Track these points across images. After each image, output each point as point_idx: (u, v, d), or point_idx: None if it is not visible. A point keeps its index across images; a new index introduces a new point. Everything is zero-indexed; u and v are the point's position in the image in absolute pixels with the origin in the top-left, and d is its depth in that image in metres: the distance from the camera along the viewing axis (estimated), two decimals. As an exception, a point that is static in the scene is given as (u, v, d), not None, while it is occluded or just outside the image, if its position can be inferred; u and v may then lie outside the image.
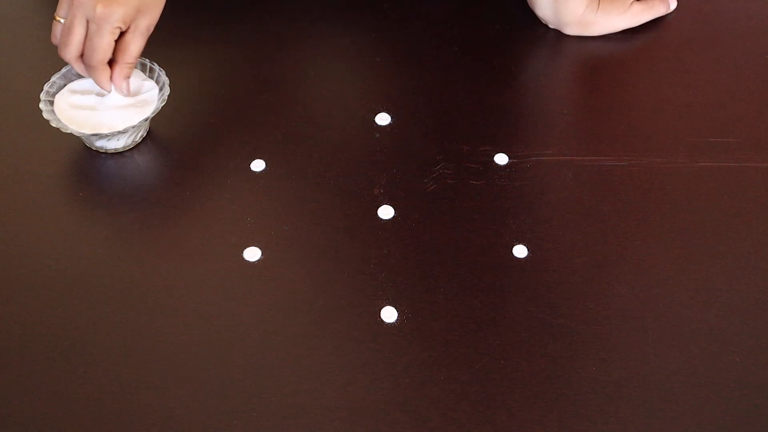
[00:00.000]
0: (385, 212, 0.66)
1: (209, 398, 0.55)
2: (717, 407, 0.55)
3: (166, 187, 0.69)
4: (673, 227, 0.65)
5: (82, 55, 0.67)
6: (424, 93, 0.76)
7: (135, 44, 0.66)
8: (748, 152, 0.71)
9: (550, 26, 0.82)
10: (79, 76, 0.71)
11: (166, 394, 0.56)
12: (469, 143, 0.71)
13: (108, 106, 0.69)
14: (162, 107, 0.69)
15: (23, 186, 0.68)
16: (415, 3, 0.85)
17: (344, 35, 0.82)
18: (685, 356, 0.57)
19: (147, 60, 0.72)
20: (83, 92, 0.70)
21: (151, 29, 0.67)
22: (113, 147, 0.70)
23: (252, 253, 0.63)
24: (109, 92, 0.68)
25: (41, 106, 0.68)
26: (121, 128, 0.68)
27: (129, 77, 0.68)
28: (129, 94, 0.68)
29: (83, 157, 0.70)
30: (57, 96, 0.70)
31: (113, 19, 0.64)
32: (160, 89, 0.71)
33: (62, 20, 0.66)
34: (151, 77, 0.71)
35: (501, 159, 0.70)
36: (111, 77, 0.67)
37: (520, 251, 0.64)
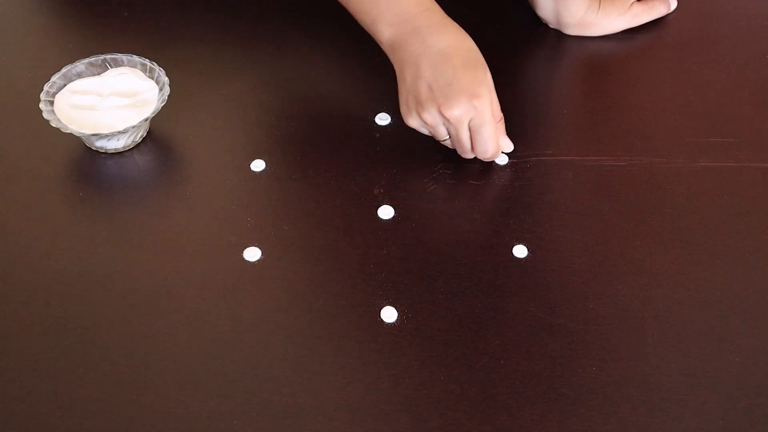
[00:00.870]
0: (385, 212, 0.66)
1: (209, 398, 0.55)
2: (717, 407, 0.55)
3: (166, 187, 0.69)
4: (673, 227, 0.65)
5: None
6: (424, 93, 0.76)
7: (497, 102, 0.65)
8: (748, 152, 0.71)
9: (551, 26, 0.82)
10: (79, 76, 0.71)
11: (166, 394, 0.56)
12: (469, 143, 0.71)
13: (108, 106, 0.69)
14: (162, 107, 0.69)
15: (23, 186, 0.68)
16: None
17: (344, 35, 0.82)
18: (685, 356, 0.57)
19: (147, 60, 0.72)
20: (83, 92, 0.70)
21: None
22: (113, 147, 0.70)
23: (252, 253, 0.63)
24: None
25: (41, 106, 0.68)
26: (121, 128, 0.68)
27: (504, 132, 0.68)
28: (512, 146, 0.69)
29: (83, 157, 0.70)
30: (57, 96, 0.70)
31: (489, 104, 0.64)
32: (160, 89, 0.71)
33: (446, 139, 0.67)
34: (151, 77, 0.71)
35: (501, 159, 0.70)
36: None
37: (520, 251, 0.64)
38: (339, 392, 0.56)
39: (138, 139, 0.71)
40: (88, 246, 0.64)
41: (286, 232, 0.65)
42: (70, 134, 0.68)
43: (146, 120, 0.69)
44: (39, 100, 0.69)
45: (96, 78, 0.71)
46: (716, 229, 0.65)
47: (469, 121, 0.64)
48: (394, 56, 0.66)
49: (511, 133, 0.69)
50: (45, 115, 0.68)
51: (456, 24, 0.66)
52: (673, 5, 0.83)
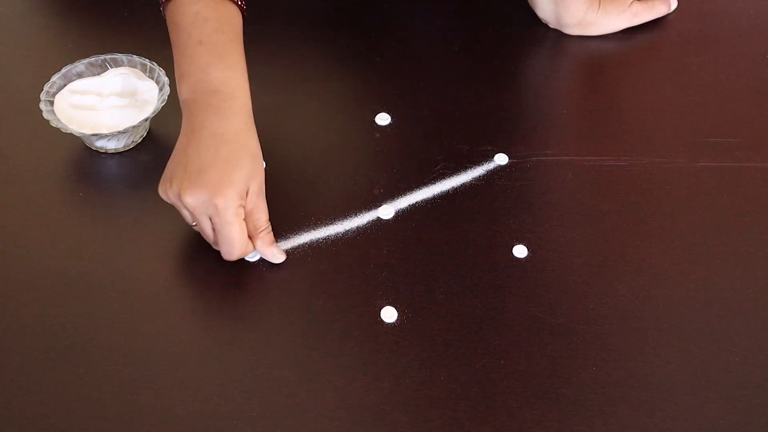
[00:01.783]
0: (385, 212, 0.66)
1: (209, 398, 0.55)
2: (717, 407, 0.55)
3: (166, 187, 0.69)
4: (673, 227, 0.65)
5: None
6: (424, 93, 0.76)
7: (260, 210, 0.61)
8: (748, 152, 0.71)
9: (551, 26, 0.82)
10: (79, 76, 0.71)
11: (166, 394, 0.56)
12: (469, 143, 0.71)
13: (108, 106, 0.69)
14: (162, 107, 0.69)
15: (23, 186, 0.68)
16: (415, 3, 0.85)
17: (344, 35, 0.82)
18: (685, 356, 0.57)
19: (147, 60, 0.72)
20: (83, 92, 0.70)
21: (263, 185, 0.62)
22: (113, 147, 0.70)
23: (252, 253, 0.63)
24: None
25: (41, 106, 0.68)
26: (121, 128, 0.68)
27: (273, 242, 0.62)
28: (283, 256, 0.63)
29: (83, 157, 0.70)
30: (57, 96, 0.70)
31: (233, 205, 0.59)
32: (160, 89, 0.71)
33: (194, 225, 0.62)
34: (151, 77, 0.71)
35: (501, 159, 0.70)
36: (255, 248, 0.62)
37: (520, 251, 0.64)
38: (339, 392, 0.56)
39: (138, 139, 0.71)
40: (88, 246, 0.64)
41: (285, 232, 0.65)
42: (70, 134, 0.68)
43: (146, 120, 0.69)
44: (39, 100, 0.69)
45: (96, 78, 0.71)
46: (716, 229, 0.65)
47: (210, 218, 0.60)
48: (184, 118, 0.62)
49: (511, 133, 0.70)
50: (45, 115, 0.68)
51: (249, 113, 0.61)
52: (673, 5, 0.84)
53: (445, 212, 0.66)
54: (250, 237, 0.61)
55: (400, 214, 0.66)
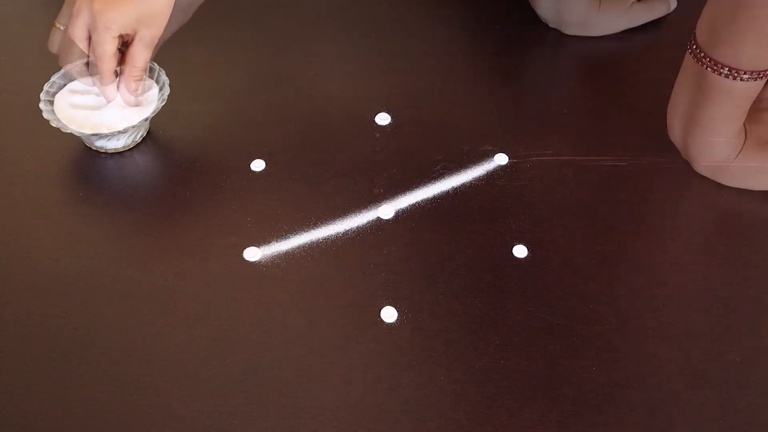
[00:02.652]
0: (385, 212, 0.66)
1: (209, 398, 0.55)
2: (717, 407, 0.55)
3: (166, 187, 0.69)
4: (673, 227, 0.65)
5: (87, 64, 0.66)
6: (424, 93, 0.76)
7: (140, 55, 0.66)
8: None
9: (551, 26, 0.82)
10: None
11: (166, 394, 0.56)
12: (469, 143, 0.71)
13: (108, 106, 0.69)
14: (162, 107, 0.69)
15: (23, 186, 0.68)
16: (415, 3, 0.85)
17: (344, 35, 0.82)
18: (685, 356, 0.57)
19: (147, 60, 0.72)
20: (83, 92, 0.70)
21: (157, 41, 0.66)
22: (113, 147, 0.70)
23: (252, 253, 0.63)
24: (111, 101, 0.68)
25: (41, 106, 0.68)
26: (121, 128, 0.68)
27: (136, 90, 0.67)
28: (135, 104, 0.68)
29: (83, 157, 0.70)
30: (57, 96, 0.70)
31: (113, 28, 0.63)
32: (160, 89, 0.71)
33: (62, 27, 0.66)
34: (151, 77, 0.71)
35: (501, 159, 0.70)
36: (118, 87, 0.67)
37: (520, 251, 0.64)
38: (339, 392, 0.56)
39: (138, 139, 0.71)
40: (88, 246, 0.64)
41: (285, 232, 0.65)
42: (70, 134, 0.68)
43: (146, 120, 0.69)
44: (39, 100, 0.69)
45: (96, 78, 0.71)
46: (716, 229, 0.65)
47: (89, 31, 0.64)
48: None
49: (511, 133, 0.70)
50: (45, 115, 0.68)
51: None
52: (673, 5, 0.83)
53: (445, 212, 0.66)
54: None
55: (400, 214, 0.66)
